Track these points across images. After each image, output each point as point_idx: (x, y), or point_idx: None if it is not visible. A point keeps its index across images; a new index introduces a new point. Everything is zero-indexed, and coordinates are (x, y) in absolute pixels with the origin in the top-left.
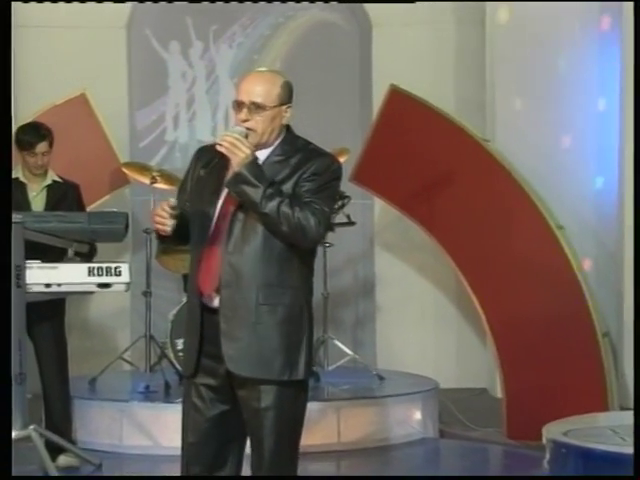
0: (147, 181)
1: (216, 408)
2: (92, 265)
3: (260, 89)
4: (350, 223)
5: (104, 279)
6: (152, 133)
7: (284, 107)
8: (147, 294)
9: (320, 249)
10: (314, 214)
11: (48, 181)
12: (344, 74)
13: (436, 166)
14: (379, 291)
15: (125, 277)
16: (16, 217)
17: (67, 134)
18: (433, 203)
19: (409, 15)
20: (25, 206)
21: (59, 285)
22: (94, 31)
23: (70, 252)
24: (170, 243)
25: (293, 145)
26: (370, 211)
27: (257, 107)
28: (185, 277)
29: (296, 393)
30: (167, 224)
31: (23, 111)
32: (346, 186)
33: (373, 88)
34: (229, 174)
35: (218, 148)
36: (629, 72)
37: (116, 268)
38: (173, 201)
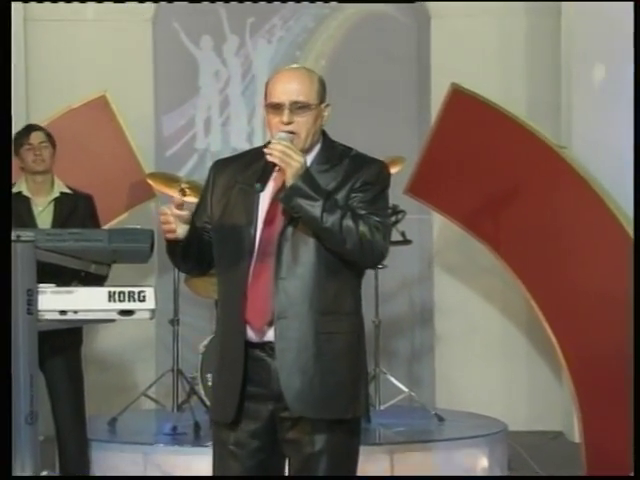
0: (175, 194)
1: (256, 456)
2: (113, 289)
3: (299, 87)
4: (405, 241)
5: (126, 305)
6: (181, 140)
7: (323, 106)
8: (175, 322)
9: (371, 271)
10: (377, 228)
11: (55, 193)
12: (399, 72)
13: (504, 177)
14: (438, 319)
15: (150, 303)
16: (27, 235)
17: (85, 141)
18: (500, 219)
19: (473, 5)
20: (30, 223)
21: (75, 312)
22: (116, 25)
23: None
24: (183, 262)
25: (334, 151)
26: (428, 228)
27: (300, 107)
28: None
29: (350, 433)
30: (171, 221)
31: (36, 115)
32: (401, 199)
33: (432, 88)
34: (273, 186)
35: (269, 158)
36: None
37: (140, 293)
38: (179, 198)
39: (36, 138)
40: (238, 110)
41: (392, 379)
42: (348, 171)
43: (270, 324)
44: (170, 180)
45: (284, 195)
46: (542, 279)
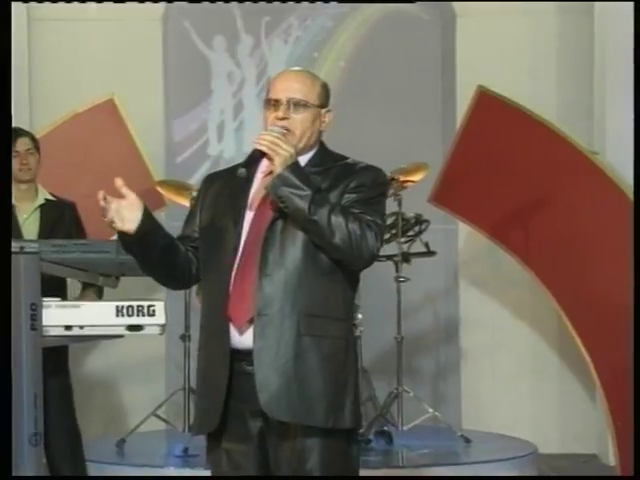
0: (186, 203)
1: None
2: (121, 304)
3: (299, 86)
4: (429, 253)
5: (135, 320)
6: (192, 146)
7: (323, 111)
8: (186, 338)
9: (393, 284)
10: (369, 226)
11: (40, 200)
12: (422, 74)
13: (533, 184)
14: (464, 335)
15: (160, 318)
16: (31, 246)
17: (91, 147)
18: (530, 229)
19: (500, 3)
20: (15, 231)
21: (81, 327)
22: (124, 24)
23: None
24: (150, 268)
25: (329, 157)
26: (454, 238)
27: (297, 105)
28: None
29: (345, 447)
30: (107, 206)
31: (40, 120)
32: (425, 208)
33: (457, 90)
34: (263, 181)
35: (257, 147)
36: None
37: (149, 307)
38: (119, 182)
39: (22, 145)
40: (253, 114)
41: (416, 398)
42: (342, 173)
43: (251, 322)
44: (181, 188)
45: (270, 183)
46: (574, 292)
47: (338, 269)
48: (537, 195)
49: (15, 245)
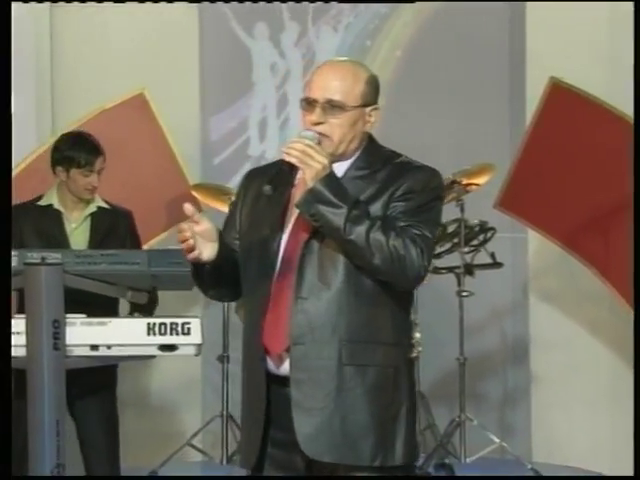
0: (224, 208)
1: None
2: (152, 321)
3: (338, 84)
4: (496, 264)
5: (168, 339)
6: (231, 145)
7: (368, 109)
8: (224, 359)
9: (455, 299)
10: (414, 241)
11: (92, 208)
12: (488, 66)
13: (613, 187)
14: (535, 356)
15: (196, 337)
16: (54, 257)
17: (120, 147)
18: (609, 237)
19: None
20: (62, 241)
21: (109, 347)
22: (156, 10)
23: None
24: (213, 288)
25: (378, 156)
26: (523, 248)
27: (334, 107)
28: None
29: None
30: (188, 236)
31: (63, 116)
32: (491, 215)
33: (527, 83)
34: (299, 192)
35: (286, 158)
36: None
37: (184, 325)
38: (189, 208)
39: (99, 165)
40: (298, 110)
41: (480, 427)
42: (389, 177)
43: (289, 351)
44: (219, 192)
45: (301, 200)
46: None
47: (384, 289)
48: (617, 199)
49: (36, 256)
